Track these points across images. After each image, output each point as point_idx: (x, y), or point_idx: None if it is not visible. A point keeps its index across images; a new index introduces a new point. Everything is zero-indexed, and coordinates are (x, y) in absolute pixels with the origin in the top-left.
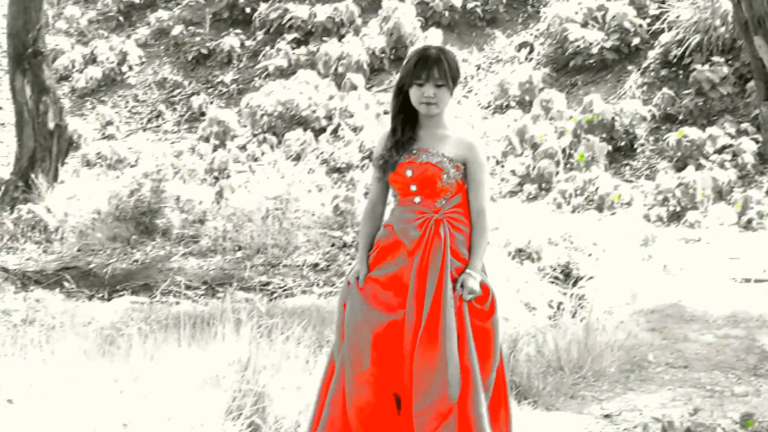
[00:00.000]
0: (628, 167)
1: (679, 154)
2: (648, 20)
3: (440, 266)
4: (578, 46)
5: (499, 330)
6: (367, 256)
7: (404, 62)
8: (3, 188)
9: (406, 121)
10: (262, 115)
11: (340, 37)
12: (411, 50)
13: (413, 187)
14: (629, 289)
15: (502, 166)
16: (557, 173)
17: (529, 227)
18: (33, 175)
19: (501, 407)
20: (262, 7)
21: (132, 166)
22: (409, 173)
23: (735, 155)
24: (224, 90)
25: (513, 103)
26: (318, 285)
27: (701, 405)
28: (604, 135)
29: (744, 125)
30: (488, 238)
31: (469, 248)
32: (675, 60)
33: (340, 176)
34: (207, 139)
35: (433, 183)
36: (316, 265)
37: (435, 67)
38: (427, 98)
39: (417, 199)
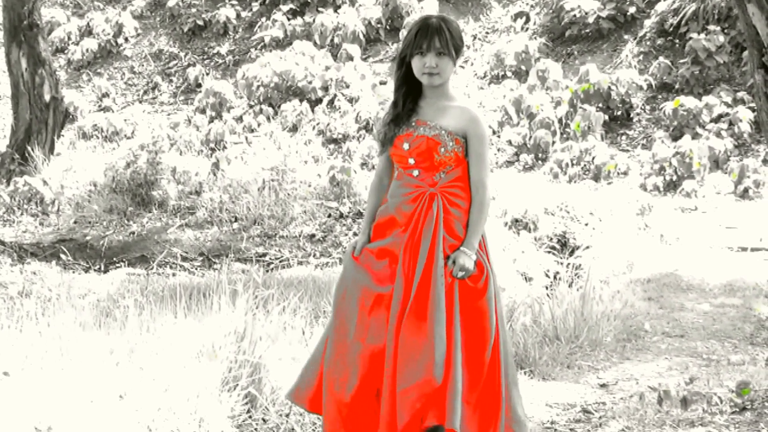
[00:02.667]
0: (624, 136)
1: (675, 123)
2: None
3: (431, 242)
4: (574, 16)
5: (494, 308)
6: (370, 228)
7: (405, 33)
8: None
9: (409, 94)
10: (258, 87)
11: (336, 8)
12: (411, 21)
13: (411, 161)
14: (626, 259)
15: (499, 137)
16: (553, 143)
17: (526, 197)
18: (29, 148)
19: (496, 387)
20: None
21: (128, 138)
22: (405, 146)
23: (731, 124)
24: (220, 61)
25: (509, 73)
26: (314, 256)
27: (697, 374)
28: (600, 104)
29: (740, 94)
30: (487, 214)
31: (466, 224)
32: (671, 29)
33: (337, 147)
34: (203, 111)
35: (430, 156)
36: (313, 236)
37: (436, 36)
38: (429, 68)
39: (415, 173)
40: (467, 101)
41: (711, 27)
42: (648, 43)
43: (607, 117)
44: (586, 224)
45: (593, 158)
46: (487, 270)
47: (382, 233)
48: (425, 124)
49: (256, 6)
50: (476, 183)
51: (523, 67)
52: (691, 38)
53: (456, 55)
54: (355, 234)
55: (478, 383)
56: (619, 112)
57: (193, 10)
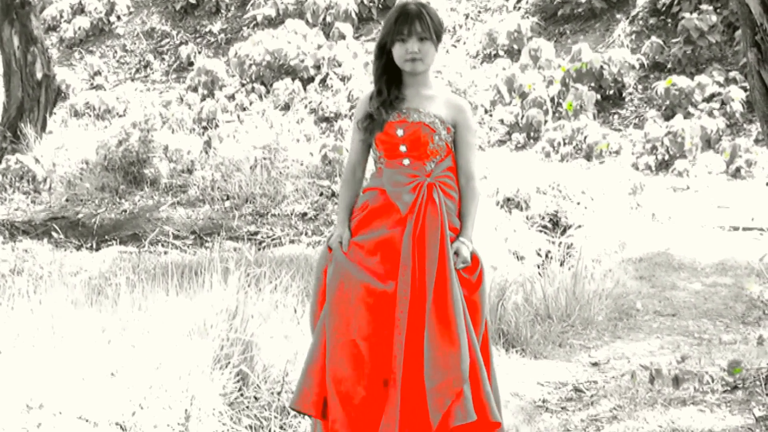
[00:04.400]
0: (616, 116)
1: (667, 102)
2: None
3: (440, 237)
4: None
5: (486, 302)
6: (349, 221)
7: (384, 21)
8: None
9: (391, 82)
10: (251, 65)
11: None
12: (391, 9)
13: (403, 148)
14: (617, 238)
15: (491, 116)
16: (546, 122)
17: (518, 176)
18: (21, 126)
19: (485, 375)
20: None
21: (120, 116)
22: (400, 132)
23: (723, 104)
24: (212, 40)
25: (501, 52)
26: (306, 234)
27: (689, 353)
28: (592, 84)
29: (732, 73)
30: (478, 205)
31: (460, 215)
32: (663, 8)
33: (329, 125)
34: (195, 89)
35: (424, 144)
36: (305, 214)
37: (417, 21)
38: (411, 54)
39: (406, 161)
40: (447, 89)
41: (703, 6)
42: (640, 22)
43: (599, 96)
44: (578, 203)
45: (585, 137)
46: (481, 263)
47: (371, 221)
48: (418, 110)
49: None
50: (467, 174)
51: (515, 47)
52: (683, 17)
53: (437, 40)
54: None
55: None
56: (611, 92)
57: None
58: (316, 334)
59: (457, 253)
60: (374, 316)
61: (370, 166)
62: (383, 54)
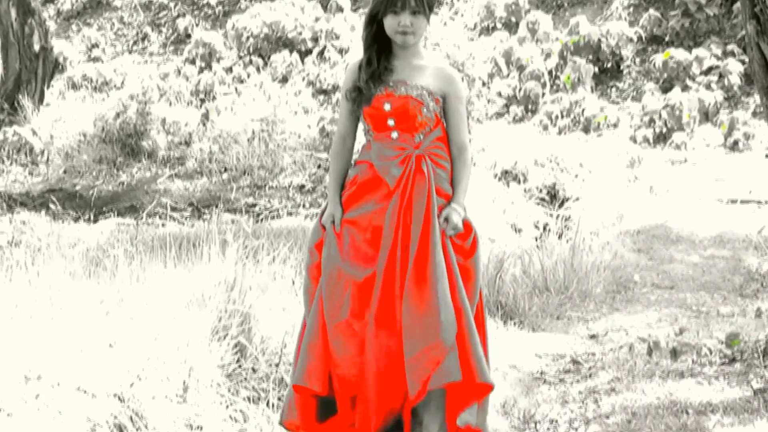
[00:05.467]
0: (614, 89)
1: (665, 75)
2: None
3: (426, 204)
4: None
5: (480, 269)
6: (340, 196)
7: None
8: None
9: (381, 52)
10: (248, 37)
11: None
12: None
13: (391, 122)
14: (615, 210)
15: (489, 88)
16: (543, 95)
17: (516, 149)
18: (18, 98)
19: (481, 344)
20: None
21: (118, 89)
22: (387, 107)
23: (721, 76)
24: (210, 12)
25: (499, 25)
26: (304, 206)
27: (687, 325)
28: (590, 57)
29: (730, 46)
30: (471, 172)
31: (452, 183)
32: None
33: (326, 98)
34: (193, 62)
35: (412, 117)
36: (302, 186)
37: None
38: (403, 27)
39: (394, 135)
40: (441, 59)
41: None
42: None
43: (596, 69)
44: (576, 176)
45: (583, 110)
46: (474, 229)
47: (361, 195)
48: (405, 83)
49: None
50: (459, 144)
51: (513, 19)
52: None
53: (429, 13)
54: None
55: None
56: (609, 65)
57: None
58: (314, 312)
59: (447, 219)
60: (363, 297)
61: (362, 137)
62: (374, 23)
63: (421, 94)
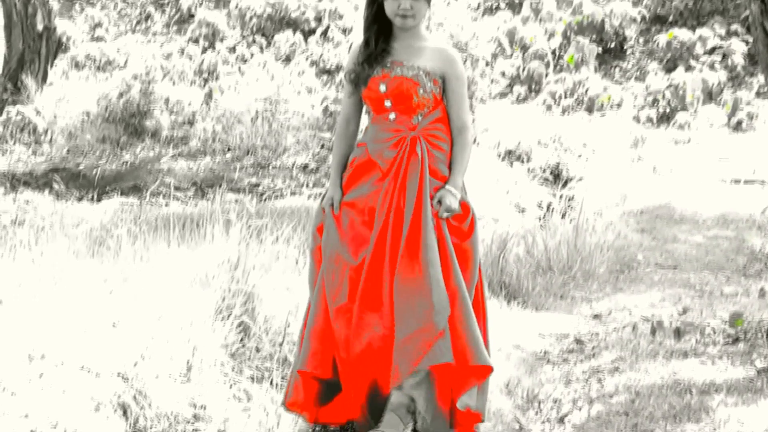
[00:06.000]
0: (617, 69)
1: (668, 55)
2: None
3: (418, 186)
4: None
5: (479, 250)
6: (341, 178)
7: None
8: None
9: (380, 33)
10: (252, 17)
11: None
12: None
13: (387, 103)
14: (619, 190)
15: (492, 68)
16: (547, 75)
17: (519, 128)
18: (22, 77)
19: (480, 326)
20: None
21: (121, 68)
22: (382, 88)
23: (725, 56)
24: None
25: (503, 5)
26: (307, 186)
27: (690, 305)
28: (593, 36)
29: (734, 26)
30: (470, 155)
31: (449, 165)
32: None
33: (330, 78)
34: (196, 41)
35: (408, 98)
36: (306, 166)
37: None
38: (403, 10)
39: (392, 116)
40: (442, 40)
41: None
42: None
43: (600, 49)
44: (580, 156)
45: (586, 90)
46: (472, 210)
47: (358, 178)
48: (401, 64)
49: None
50: (459, 126)
51: None
52: None
53: None
54: None
55: None
56: (612, 45)
57: None
58: (316, 296)
59: (440, 202)
60: (358, 284)
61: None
62: (374, 4)
63: (417, 74)
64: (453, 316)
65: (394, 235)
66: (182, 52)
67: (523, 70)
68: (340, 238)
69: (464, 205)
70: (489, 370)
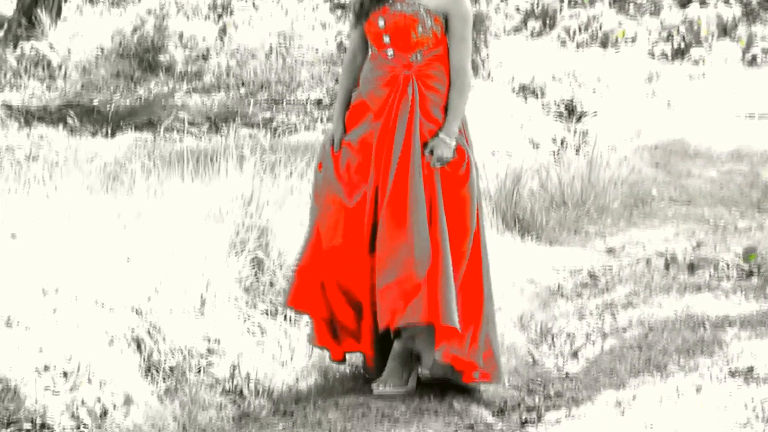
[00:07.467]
0: (632, 3)
1: None
2: None
3: (406, 130)
4: None
5: (476, 195)
6: (344, 114)
7: None
8: (6, 25)
9: None
10: None
11: None
12: None
13: (386, 39)
14: (633, 125)
15: (506, 3)
16: (561, 10)
17: (533, 63)
18: (36, 12)
19: (477, 276)
20: None
21: (135, 4)
22: (381, 23)
23: None
24: None
25: None
26: (321, 121)
27: (704, 239)
28: None
29: None
30: (467, 99)
31: (444, 108)
32: None
33: (344, 13)
34: None
35: (406, 35)
36: (320, 101)
37: None
38: None
39: (390, 53)
40: None
41: None
42: None
43: None
44: (594, 91)
45: (601, 25)
46: (468, 155)
47: (356, 119)
48: (402, 0)
49: None
50: (457, 66)
51: None
52: None
53: None
54: None
55: (458, 274)
56: None
57: None
58: (310, 233)
59: (432, 151)
60: (355, 223)
61: None
62: None
63: (417, 11)
64: (432, 269)
65: (383, 182)
66: None
67: (538, 5)
68: (337, 177)
69: (460, 150)
70: (453, 330)
